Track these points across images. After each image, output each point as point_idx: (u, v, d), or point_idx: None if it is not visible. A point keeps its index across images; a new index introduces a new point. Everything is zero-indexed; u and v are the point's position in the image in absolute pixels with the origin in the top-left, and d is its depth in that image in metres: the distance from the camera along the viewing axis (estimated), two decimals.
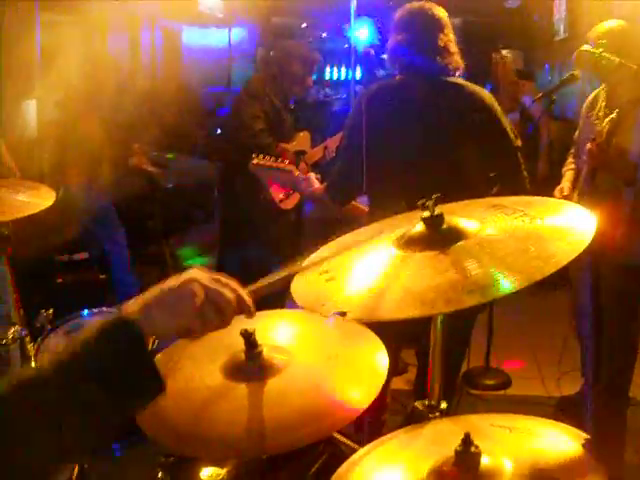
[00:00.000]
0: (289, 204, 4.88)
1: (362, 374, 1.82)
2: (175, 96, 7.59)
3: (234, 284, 1.45)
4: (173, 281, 1.39)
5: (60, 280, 5.71)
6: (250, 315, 1.47)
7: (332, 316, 1.45)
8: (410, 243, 1.61)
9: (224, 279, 1.44)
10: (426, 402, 1.80)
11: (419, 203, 1.60)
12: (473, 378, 5.13)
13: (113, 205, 6.05)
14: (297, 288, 1.65)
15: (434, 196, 1.60)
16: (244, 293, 1.46)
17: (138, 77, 8.69)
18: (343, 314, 1.43)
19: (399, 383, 4.51)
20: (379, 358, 1.85)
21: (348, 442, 2.25)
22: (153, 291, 1.38)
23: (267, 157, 3.73)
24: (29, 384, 1.25)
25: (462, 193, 1.92)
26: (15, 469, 1.22)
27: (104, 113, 6.02)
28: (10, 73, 6.41)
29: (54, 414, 1.23)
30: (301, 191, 3.82)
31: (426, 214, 1.59)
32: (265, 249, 4.86)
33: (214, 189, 6.96)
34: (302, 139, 5.34)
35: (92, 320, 3.01)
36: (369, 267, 1.62)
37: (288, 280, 1.64)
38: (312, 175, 3.73)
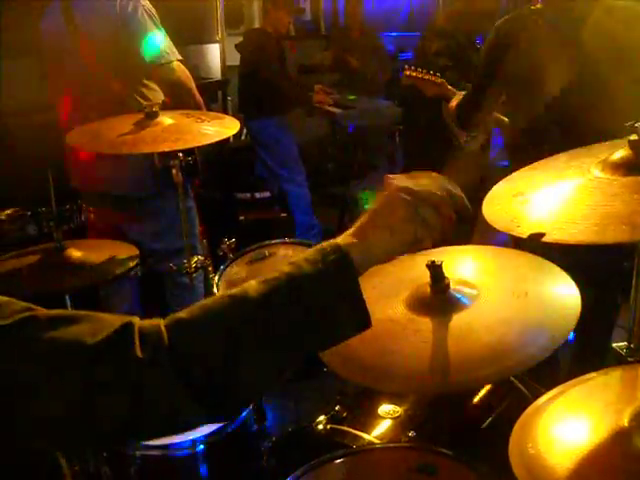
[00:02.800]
0: (473, 145, 4.78)
1: (552, 314, 1.70)
2: (357, 40, 7.56)
3: (440, 181, 1.38)
4: (379, 199, 1.33)
5: (242, 217, 5.81)
6: (467, 211, 1.40)
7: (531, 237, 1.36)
8: (615, 167, 1.46)
9: (428, 178, 1.38)
10: (625, 344, 1.68)
11: (627, 125, 1.45)
12: None
13: (296, 147, 6.09)
14: (489, 210, 1.56)
15: None
16: (452, 187, 1.39)
17: (320, 21, 8.74)
18: (541, 235, 1.33)
19: None
20: (570, 298, 1.73)
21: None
22: (364, 216, 1.32)
23: (419, 69, 4.05)
24: (237, 301, 1.21)
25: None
26: (239, 388, 1.20)
27: (284, 55, 6.06)
28: (192, 19, 6.59)
29: (262, 334, 1.19)
30: (448, 105, 3.84)
31: (634, 137, 1.44)
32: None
33: (395, 133, 6.91)
34: None
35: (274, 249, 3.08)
36: (567, 191, 1.49)
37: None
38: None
